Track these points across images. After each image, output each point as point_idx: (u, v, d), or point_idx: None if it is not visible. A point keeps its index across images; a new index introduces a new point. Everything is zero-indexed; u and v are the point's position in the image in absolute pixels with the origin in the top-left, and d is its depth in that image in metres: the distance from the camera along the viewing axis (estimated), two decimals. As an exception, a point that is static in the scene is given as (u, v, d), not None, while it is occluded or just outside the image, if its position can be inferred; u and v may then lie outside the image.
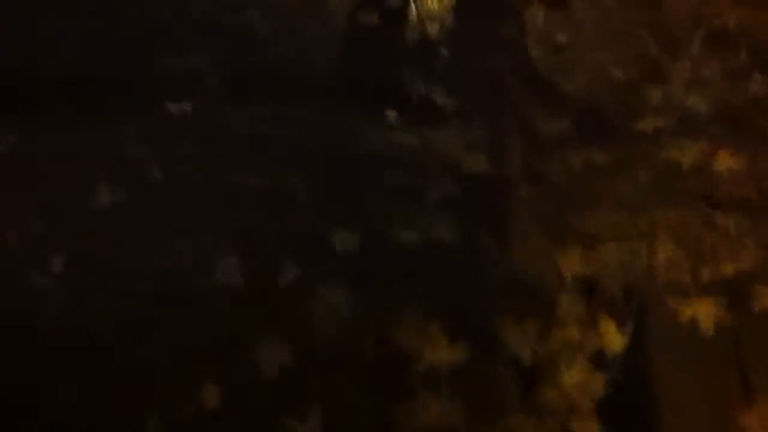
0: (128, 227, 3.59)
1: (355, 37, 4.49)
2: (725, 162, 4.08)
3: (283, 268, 3.48)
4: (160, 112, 3.96)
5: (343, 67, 4.37)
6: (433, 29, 4.70)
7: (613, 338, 3.26)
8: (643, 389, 3.06)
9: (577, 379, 3.08)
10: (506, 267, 3.58)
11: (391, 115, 4.23)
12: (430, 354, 3.18)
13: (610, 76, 4.70)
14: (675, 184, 4.03)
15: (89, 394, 3.08)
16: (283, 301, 3.36)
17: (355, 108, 4.11)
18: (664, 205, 3.89)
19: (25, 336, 3.20)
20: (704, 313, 3.24)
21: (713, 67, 4.55)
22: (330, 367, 3.14)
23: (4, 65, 3.81)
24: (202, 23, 4.33)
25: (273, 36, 4.42)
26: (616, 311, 3.38)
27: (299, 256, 3.53)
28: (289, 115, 4.04)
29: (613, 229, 3.75)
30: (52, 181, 3.68)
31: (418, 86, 4.51)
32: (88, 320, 3.26)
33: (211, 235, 3.58)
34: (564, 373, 3.11)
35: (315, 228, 3.66)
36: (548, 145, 4.20)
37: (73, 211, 3.63)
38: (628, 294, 3.47)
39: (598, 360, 3.19)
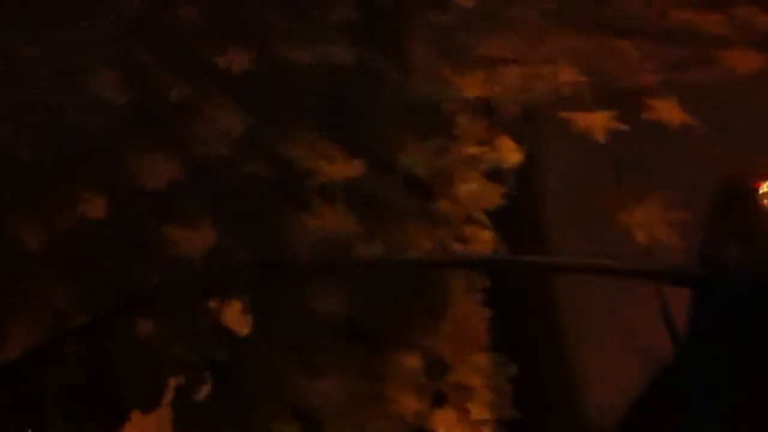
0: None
1: None
2: (626, -10, 4.03)
3: (172, 86, 3.33)
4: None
5: None
6: None
7: (510, 154, 3.21)
8: (536, 200, 3.04)
9: (472, 191, 3.05)
10: (404, 89, 3.49)
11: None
12: (326, 169, 3.09)
13: None
14: (577, 12, 3.97)
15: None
16: (172, 118, 3.23)
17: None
18: (566, 31, 3.84)
19: None
20: (598, 123, 3.22)
21: None
22: (220, 182, 3.04)
23: None
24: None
25: None
26: (515, 130, 3.34)
27: (189, 76, 3.39)
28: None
29: (515, 53, 3.69)
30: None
31: None
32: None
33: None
34: (459, 186, 3.07)
35: (206, 48, 3.51)
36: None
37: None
38: (528, 114, 3.42)
39: (494, 174, 3.15)
